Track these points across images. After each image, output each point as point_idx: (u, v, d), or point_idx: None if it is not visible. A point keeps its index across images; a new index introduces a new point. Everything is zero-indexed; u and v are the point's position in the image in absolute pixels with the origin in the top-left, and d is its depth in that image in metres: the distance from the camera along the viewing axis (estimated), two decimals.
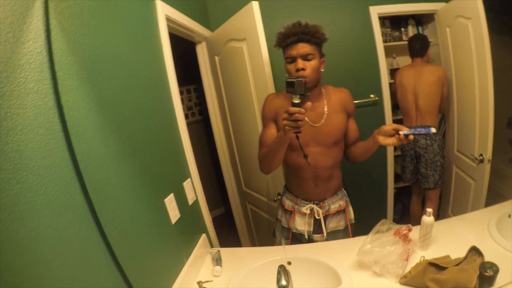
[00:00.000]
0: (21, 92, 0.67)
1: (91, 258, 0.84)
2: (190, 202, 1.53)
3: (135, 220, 1.07)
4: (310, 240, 1.56)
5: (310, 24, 1.33)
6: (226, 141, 2.53)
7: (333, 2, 2.36)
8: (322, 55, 1.39)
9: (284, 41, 1.33)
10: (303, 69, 1.31)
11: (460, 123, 2.23)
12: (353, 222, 1.61)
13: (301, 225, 1.56)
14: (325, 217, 1.54)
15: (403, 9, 2.39)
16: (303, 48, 1.30)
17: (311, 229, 1.55)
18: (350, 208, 1.61)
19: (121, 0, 1.16)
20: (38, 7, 0.73)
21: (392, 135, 1.20)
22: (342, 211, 1.57)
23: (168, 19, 1.52)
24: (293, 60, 1.33)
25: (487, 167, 2.08)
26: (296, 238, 1.59)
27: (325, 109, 1.43)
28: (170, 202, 1.30)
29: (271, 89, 1.78)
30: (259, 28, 1.69)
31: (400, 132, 1.16)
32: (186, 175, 1.57)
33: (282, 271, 1.09)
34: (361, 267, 1.26)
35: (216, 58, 2.21)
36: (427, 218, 1.27)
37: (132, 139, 1.12)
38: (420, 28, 2.64)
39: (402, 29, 2.67)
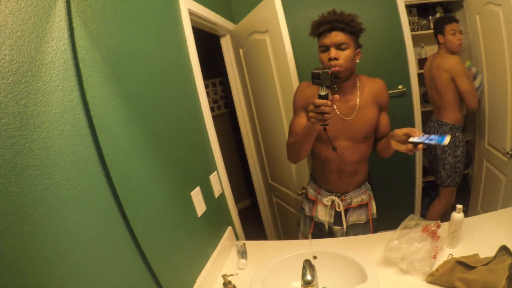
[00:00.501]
0: (47, 90, 0.69)
1: (117, 252, 0.86)
2: (216, 195, 1.54)
3: (161, 214, 1.08)
4: (330, 231, 1.57)
5: (346, 12, 1.28)
6: (252, 134, 2.52)
7: None
8: (358, 46, 1.34)
9: (318, 29, 1.29)
10: (336, 59, 1.26)
11: (491, 116, 2.11)
12: (375, 216, 1.58)
13: (322, 215, 1.56)
14: (346, 210, 1.53)
15: None
16: (337, 36, 1.25)
17: (332, 220, 1.55)
18: (373, 203, 1.57)
19: None
20: (60, 7, 0.74)
21: (404, 140, 1.15)
22: (364, 205, 1.54)
23: (191, 13, 1.53)
24: (326, 49, 1.29)
25: None
26: (318, 227, 1.60)
27: (357, 102, 1.38)
28: (197, 195, 1.32)
29: (294, 81, 1.75)
30: (281, 19, 1.67)
31: (410, 139, 1.11)
32: (213, 168, 1.58)
33: (308, 265, 1.07)
34: (387, 263, 1.22)
35: (241, 50, 2.20)
36: (457, 215, 1.21)
37: (157, 133, 1.14)
38: None
39: (430, 17, 2.54)
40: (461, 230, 1.24)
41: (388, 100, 1.45)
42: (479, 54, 2.08)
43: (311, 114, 1.10)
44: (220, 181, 1.61)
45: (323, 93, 1.08)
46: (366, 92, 1.40)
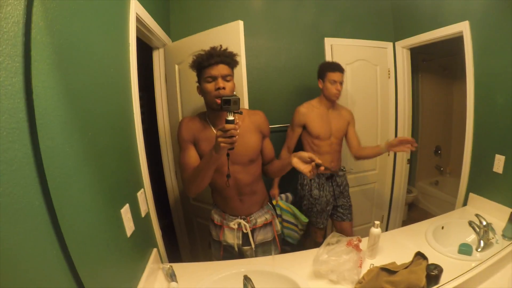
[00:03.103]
0: None
1: (49, 271, 0.71)
2: (143, 214, 1.40)
3: (95, 232, 0.94)
4: (240, 252, 1.63)
5: (227, 50, 1.40)
6: (173, 152, 2.42)
7: (292, 29, 2.48)
8: (233, 78, 1.45)
9: (207, 60, 1.35)
10: (223, 88, 1.35)
11: None
12: (280, 233, 1.72)
13: (230, 238, 1.61)
14: (253, 230, 1.60)
15: (356, 43, 2.60)
16: (224, 69, 1.36)
17: (240, 242, 1.60)
18: (277, 221, 1.71)
19: None
20: None
21: (307, 163, 1.29)
22: (269, 224, 1.64)
23: (137, 18, 1.43)
24: (213, 79, 1.36)
25: None
26: (227, 250, 1.64)
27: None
28: (126, 213, 1.18)
29: (246, 105, 1.83)
30: (241, 46, 1.74)
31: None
32: (140, 185, 1.44)
33: (248, 282, 1.10)
34: (317, 276, 1.35)
35: (177, 66, 2.13)
36: (375, 230, 1.43)
37: (94, 141, 1.00)
38: None
39: None
40: (378, 243, 1.46)
41: (269, 128, 1.60)
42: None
43: (220, 139, 1.14)
44: (146, 199, 1.48)
45: (231, 118, 1.14)
46: (247, 121, 1.50)
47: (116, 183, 1.16)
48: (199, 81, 1.44)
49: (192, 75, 2.01)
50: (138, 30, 1.61)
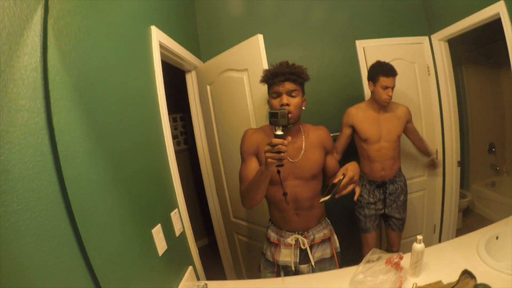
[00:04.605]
0: (12, 109, 0.63)
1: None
2: (177, 233, 1.46)
3: (122, 251, 1.00)
4: (296, 271, 1.54)
5: (296, 64, 1.40)
6: (213, 171, 2.48)
7: (322, 35, 2.46)
8: (303, 94, 1.44)
9: (272, 79, 1.38)
10: (287, 105, 1.35)
11: None
12: (339, 250, 1.61)
13: (287, 256, 1.54)
14: (311, 246, 1.53)
15: (389, 42, 2.50)
16: (289, 85, 1.36)
17: (297, 260, 1.53)
18: (335, 237, 1.61)
19: (118, 22, 1.16)
20: (37, 22, 0.70)
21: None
22: (327, 240, 1.57)
23: (162, 46, 1.52)
24: (278, 95, 1.38)
25: None
26: (281, 271, 1.55)
27: (303, 145, 1.46)
28: (158, 233, 1.24)
29: None
30: (263, 59, 1.75)
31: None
32: (174, 205, 1.51)
33: None
34: None
35: (208, 87, 2.21)
36: (418, 245, 1.27)
37: (121, 166, 1.07)
38: None
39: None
40: (423, 259, 1.30)
41: (333, 143, 1.57)
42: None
43: (268, 154, 1.11)
44: (181, 219, 1.54)
45: (279, 132, 1.11)
46: (311, 136, 1.49)
47: (147, 204, 1.23)
48: (268, 95, 1.45)
49: (224, 96, 2.11)
50: (165, 57, 1.71)
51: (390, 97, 1.98)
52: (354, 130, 2.11)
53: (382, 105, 2.05)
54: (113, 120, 1.05)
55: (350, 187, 1.25)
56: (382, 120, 2.08)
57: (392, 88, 1.98)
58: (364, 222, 2.18)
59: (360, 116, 2.10)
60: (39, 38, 0.71)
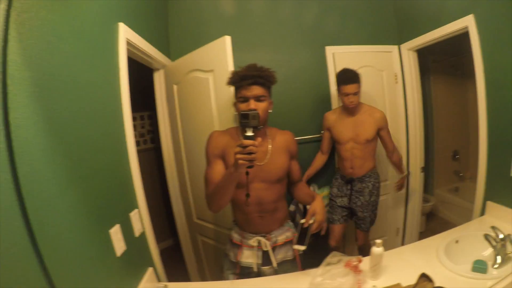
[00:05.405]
0: None
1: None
2: (137, 234, 1.44)
3: (78, 251, 0.97)
4: (259, 273, 1.56)
5: (265, 67, 1.40)
6: (177, 171, 2.46)
7: (293, 40, 2.51)
8: (271, 96, 1.45)
9: (240, 82, 1.36)
10: (255, 110, 1.33)
11: None
12: (301, 252, 1.63)
13: (249, 257, 1.56)
14: (273, 249, 1.55)
15: (358, 50, 2.59)
16: (257, 90, 1.35)
17: (260, 262, 1.55)
18: (298, 228, 1.63)
19: (85, 18, 1.13)
20: None
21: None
22: (289, 242, 1.60)
23: (129, 43, 1.50)
24: (245, 100, 1.36)
25: None
26: (245, 272, 1.57)
27: (269, 148, 1.48)
28: (116, 233, 1.22)
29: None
30: (229, 61, 1.74)
31: None
32: (134, 205, 1.49)
33: None
34: None
35: (175, 86, 2.20)
36: (377, 249, 1.33)
37: (79, 165, 1.04)
38: None
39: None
40: (382, 262, 1.35)
41: (297, 149, 1.61)
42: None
43: (238, 156, 1.11)
44: (141, 219, 1.52)
45: (249, 134, 1.11)
46: (277, 140, 1.51)
47: (106, 204, 1.20)
48: (235, 98, 1.43)
49: (190, 96, 2.09)
50: (133, 54, 1.69)
51: (352, 102, 2.10)
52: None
53: (350, 110, 2.18)
54: (73, 117, 1.02)
55: (318, 228, 1.37)
56: (354, 123, 2.20)
57: (354, 94, 2.08)
58: (331, 213, 2.36)
59: (334, 119, 2.26)
60: (1, 31, 0.68)
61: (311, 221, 1.39)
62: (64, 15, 0.98)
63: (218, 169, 1.43)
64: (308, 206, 1.54)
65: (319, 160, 2.45)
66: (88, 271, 1.01)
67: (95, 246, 1.08)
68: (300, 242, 1.46)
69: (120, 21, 1.42)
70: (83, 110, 1.10)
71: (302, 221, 1.43)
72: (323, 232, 1.43)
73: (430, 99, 3.51)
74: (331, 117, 2.30)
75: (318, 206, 1.42)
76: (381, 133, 2.22)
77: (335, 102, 2.56)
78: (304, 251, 1.50)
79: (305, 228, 1.41)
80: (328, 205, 2.42)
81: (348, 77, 2.08)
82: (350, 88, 2.07)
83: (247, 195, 1.35)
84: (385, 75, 2.65)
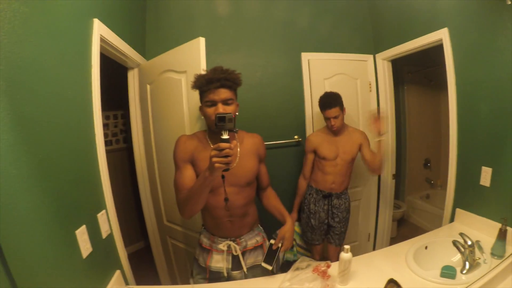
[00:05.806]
0: None
1: None
2: (104, 235, 1.40)
3: (43, 251, 0.94)
4: (229, 277, 1.54)
5: (230, 69, 1.38)
6: (148, 172, 2.42)
7: (269, 45, 2.53)
8: (236, 99, 1.43)
9: (207, 85, 1.33)
10: (229, 113, 1.31)
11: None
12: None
13: (219, 262, 1.54)
14: (243, 253, 1.55)
15: (334, 57, 2.64)
16: (225, 93, 1.34)
17: (230, 266, 1.53)
18: (267, 243, 1.60)
19: (59, 12, 1.10)
20: None
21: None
22: (259, 247, 1.60)
23: (102, 40, 1.47)
24: (213, 104, 1.34)
25: None
26: (214, 277, 1.55)
27: (238, 152, 1.47)
28: (82, 234, 1.18)
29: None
30: (202, 63, 1.73)
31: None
32: (101, 206, 1.44)
33: None
34: None
35: (148, 86, 2.17)
36: (345, 255, 1.34)
37: (45, 163, 1.01)
38: None
39: None
40: (350, 268, 1.36)
41: (266, 152, 1.61)
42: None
43: (215, 159, 1.09)
44: (109, 220, 1.48)
45: (225, 136, 1.10)
46: (246, 143, 1.51)
47: (72, 204, 1.16)
48: (201, 102, 1.41)
49: (163, 97, 2.07)
50: (107, 51, 1.65)
51: (333, 125, 2.15)
52: (315, 153, 2.29)
53: (334, 132, 2.23)
54: (40, 113, 0.99)
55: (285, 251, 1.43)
56: (339, 142, 2.25)
57: (335, 117, 2.13)
58: (311, 233, 2.35)
59: (320, 140, 2.27)
60: None
61: (279, 245, 1.44)
62: (37, 8, 0.96)
63: (188, 174, 1.41)
64: None
65: (303, 186, 2.41)
66: (52, 272, 0.98)
67: (60, 247, 1.05)
68: (268, 260, 1.46)
69: (95, 17, 1.39)
70: (52, 106, 1.06)
71: (272, 241, 1.46)
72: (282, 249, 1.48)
73: (404, 108, 3.62)
74: (315, 139, 2.29)
75: (287, 232, 1.46)
76: (363, 149, 2.25)
77: (309, 108, 2.59)
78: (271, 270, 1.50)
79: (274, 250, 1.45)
80: (305, 224, 2.38)
81: (327, 101, 2.13)
82: (331, 112, 2.12)
83: (226, 199, 1.36)
84: (359, 83, 2.72)
